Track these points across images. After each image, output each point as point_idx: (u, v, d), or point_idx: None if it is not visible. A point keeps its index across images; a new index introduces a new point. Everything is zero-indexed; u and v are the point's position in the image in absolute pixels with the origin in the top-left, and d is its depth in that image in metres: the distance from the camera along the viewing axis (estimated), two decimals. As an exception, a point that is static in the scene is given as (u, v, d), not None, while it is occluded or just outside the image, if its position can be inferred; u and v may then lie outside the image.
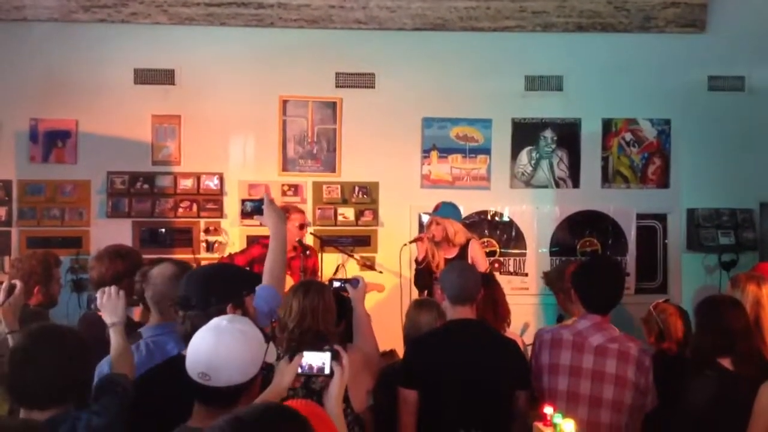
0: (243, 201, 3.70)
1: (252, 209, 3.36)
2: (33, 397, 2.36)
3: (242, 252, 5.62)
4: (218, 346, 2.09)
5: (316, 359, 2.34)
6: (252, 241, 5.98)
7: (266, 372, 2.29)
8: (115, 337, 2.81)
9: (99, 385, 2.61)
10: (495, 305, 3.85)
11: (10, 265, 4.13)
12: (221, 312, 2.39)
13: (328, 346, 2.45)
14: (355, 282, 3.72)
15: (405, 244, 5.77)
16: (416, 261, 5.57)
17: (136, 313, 3.82)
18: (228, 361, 2.08)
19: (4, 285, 3.19)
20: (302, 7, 6.34)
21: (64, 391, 2.39)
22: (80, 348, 2.48)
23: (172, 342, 2.99)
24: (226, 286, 2.60)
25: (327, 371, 2.33)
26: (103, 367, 2.96)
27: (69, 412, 2.38)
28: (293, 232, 5.42)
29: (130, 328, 3.62)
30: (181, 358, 2.36)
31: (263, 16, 6.35)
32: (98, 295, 2.92)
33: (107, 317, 2.86)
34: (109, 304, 2.87)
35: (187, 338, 2.32)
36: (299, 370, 2.37)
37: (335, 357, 2.36)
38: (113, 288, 2.92)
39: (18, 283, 3.26)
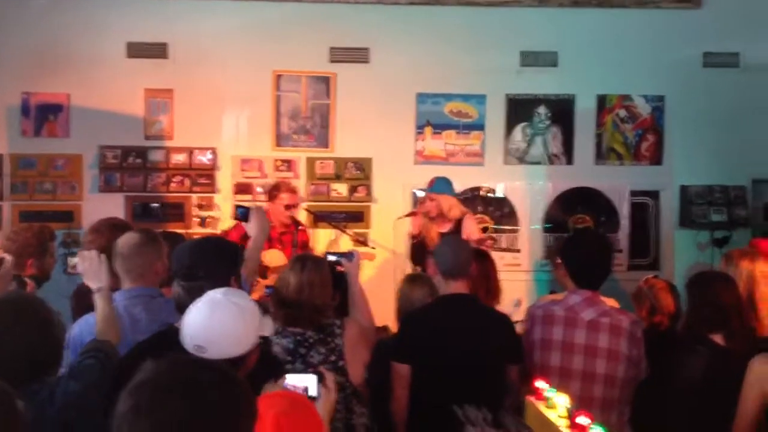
0: (235, 205, 3.91)
1: (240, 216, 3.64)
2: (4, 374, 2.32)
3: (234, 227, 5.62)
4: (213, 319, 2.10)
5: (301, 381, 2.22)
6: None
7: (263, 345, 2.30)
8: (100, 303, 2.80)
9: (82, 350, 2.61)
10: (488, 281, 3.87)
11: (5, 237, 4.10)
12: (226, 283, 2.40)
13: (328, 320, 2.41)
14: (350, 256, 3.73)
15: (399, 218, 5.77)
16: (411, 236, 5.58)
17: None
18: (223, 333, 2.09)
19: None
20: (296, -21, 6.29)
21: (35, 364, 2.33)
22: (44, 318, 2.41)
23: (140, 306, 3.03)
24: (230, 259, 2.62)
25: (313, 393, 2.20)
26: (74, 332, 2.96)
27: (46, 380, 2.35)
28: (281, 211, 5.43)
29: (89, 296, 3.65)
30: (173, 330, 2.37)
31: (257, -11, 6.29)
32: (78, 260, 2.89)
33: (91, 283, 2.84)
34: (91, 270, 2.84)
35: (182, 308, 2.33)
36: None
37: (321, 380, 2.26)
38: (94, 252, 2.89)
39: (7, 256, 3.23)
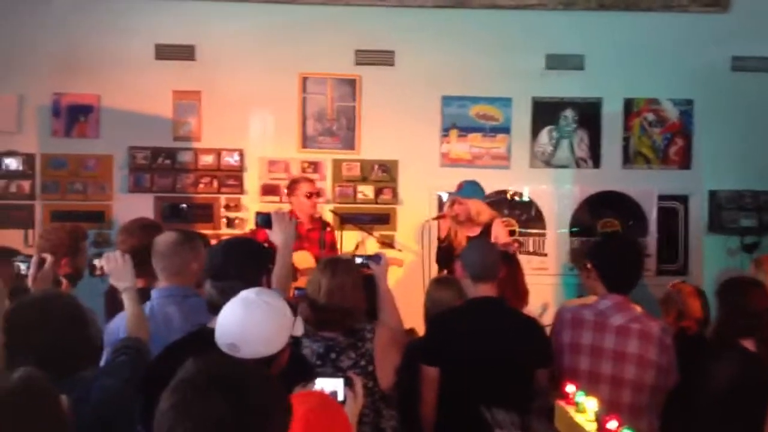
0: (256, 213, 3.85)
1: (262, 222, 3.56)
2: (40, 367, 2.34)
3: (259, 229, 5.66)
4: (247, 318, 2.13)
5: (328, 385, 2.24)
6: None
7: (293, 346, 2.32)
8: (128, 303, 2.84)
9: (114, 348, 2.64)
10: (515, 284, 3.86)
11: (39, 236, 4.18)
12: (257, 283, 2.42)
13: (360, 325, 2.40)
14: (377, 258, 3.73)
15: (427, 221, 5.77)
16: (438, 239, 5.57)
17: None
18: (256, 333, 2.11)
19: (34, 258, 3.21)
20: (323, -17, 6.32)
21: (68, 360, 2.36)
22: (75, 314, 2.45)
23: (173, 305, 3.06)
24: (260, 259, 2.65)
25: (340, 398, 2.23)
26: (110, 328, 3.00)
27: (83, 376, 2.38)
28: (303, 202, 5.48)
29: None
30: (206, 330, 2.39)
31: (284, -9, 6.32)
32: (103, 261, 2.92)
33: (118, 283, 2.89)
34: (116, 270, 2.89)
35: (214, 307, 2.35)
36: None
37: (348, 383, 2.28)
38: (118, 253, 2.95)
39: (48, 256, 3.28)
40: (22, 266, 3.19)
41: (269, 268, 2.81)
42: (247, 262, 2.62)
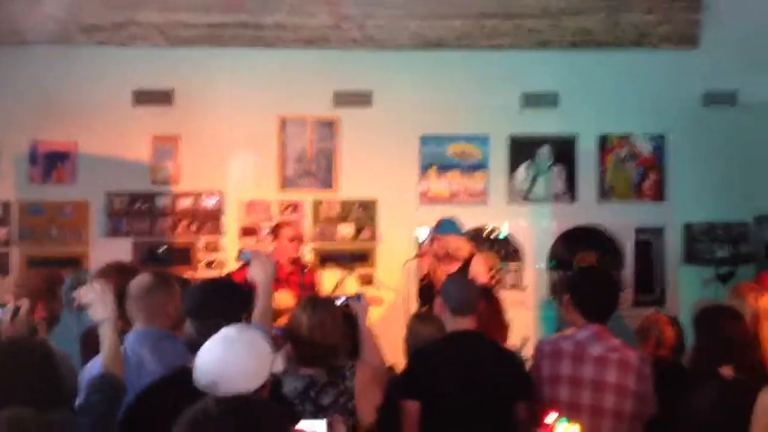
0: (239, 251, 3.90)
1: (245, 258, 3.67)
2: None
3: (239, 269, 5.65)
4: (227, 356, 2.12)
5: (311, 427, 2.26)
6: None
7: (274, 384, 2.32)
8: (107, 333, 2.79)
9: (88, 385, 2.62)
10: (496, 318, 3.88)
11: (14, 283, 4.14)
12: (237, 322, 2.42)
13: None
14: (358, 298, 3.76)
15: (407, 261, 5.78)
16: (420, 278, 5.58)
17: None
18: (236, 370, 2.10)
19: (8, 305, 3.17)
20: (300, 27, 6.38)
21: (40, 404, 2.30)
22: (47, 357, 2.43)
23: (146, 348, 3.04)
24: (240, 299, 2.66)
25: None
26: (87, 370, 2.97)
27: (52, 420, 2.32)
28: (286, 246, 5.49)
29: (98, 339, 3.64)
30: (186, 370, 2.38)
31: (262, 36, 6.38)
32: (82, 292, 2.87)
33: (98, 314, 2.83)
34: (95, 301, 2.84)
35: (193, 347, 2.35)
36: None
37: (330, 425, 2.29)
38: (96, 284, 2.90)
39: (24, 302, 3.24)
40: None
41: (249, 308, 2.81)
42: (227, 302, 2.63)
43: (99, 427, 2.40)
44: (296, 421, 2.23)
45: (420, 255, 5.63)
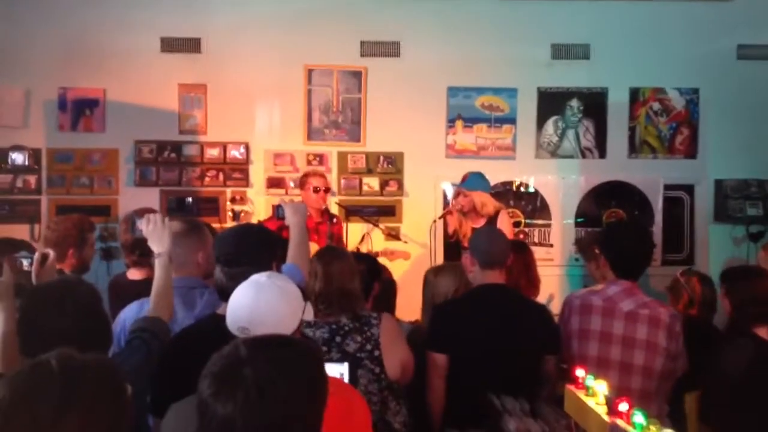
0: (274, 206, 3.83)
1: (281, 214, 3.55)
2: (46, 349, 2.33)
3: (268, 219, 5.67)
4: (259, 301, 2.12)
5: (333, 371, 2.29)
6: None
7: (303, 330, 2.32)
8: (159, 270, 2.81)
9: (131, 330, 2.64)
10: (528, 271, 3.86)
11: (45, 227, 4.16)
12: (267, 269, 2.42)
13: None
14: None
15: (434, 221, 5.75)
16: (448, 236, 5.54)
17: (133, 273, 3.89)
18: (268, 315, 2.10)
19: (36, 255, 3.19)
20: (328, -25, 6.32)
21: (81, 341, 2.28)
22: (92, 296, 2.45)
23: (177, 298, 3.02)
24: (271, 245, 2.65)
25: (347, 379, 2.28)
26: (117, 320, 3.00)
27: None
28: (311, 197, 5.48)
29: (127, 287, 3.67)
30: (217, 317, 2.39)
31: (289, -17, 6.32)
32: (144, 222, 2.89)
33: (154, 246, 2.85)
34: (155, 233, 2.86)
35: (223, 294, 2.35)
36: None
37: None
38: (159, 215, 2.91)
39: (51, 252, 3.25)
40: (25, 262, 3.15)
41: (280, 255, 2.81)
42: (258, 249, 2.62)
43: (137, 374, 2.42)
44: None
45: (446, 213, 5.58)
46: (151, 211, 3.82)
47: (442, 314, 3.50)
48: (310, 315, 2.31)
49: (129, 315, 3.03)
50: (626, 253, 3.36)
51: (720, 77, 6.57)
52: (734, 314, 3.43)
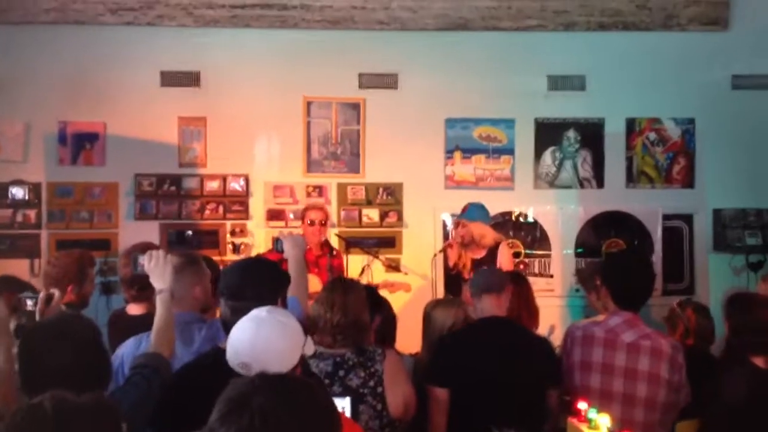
0: (273, 238, 3.86)
1: (280, 248, 3.65)
2: (47, 386, 2.27)
3: (268, 252, 5.66)
4: (259, 336, 2.12)
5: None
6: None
7: (304, 366, 2.32)
8: (161, 306, 2.81)
9: (133, 365, 2.62)
10: (527, 303, 3.86)
11: (46, 262, 4.16)
12: (272, 304, 2.42)
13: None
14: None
15: (435, 255, 5.76)
16: (449, 268, 5.53)
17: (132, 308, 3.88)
18: (268, 350, 2.10)
19: (41, 295, 3.17)
20: (325, 8, 6.39)
21: (78, 378, 2.28)
22: (93, 333, 2.44)
23: (176, 332, 3.00)
24: (277, 280, 2.65)
25: (348, 414, 2.27)
26: (115, 355, 2.98)
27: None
28: (314, 230, 5.49)
29: (126, 322, 3.65)
30: (220, 351, 2.39)
31: (287, 17, 6.40)
32: (145, 258, 2.90)
33: (156, 282, 2.86)
34: (157, 269, 2.87)
35: (228, 328, 2.35)
36: None
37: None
38: (161, 252, 2.92)
39: (56, 292, 3.24)
40: (29, 302, 3.14)
41: (285, 290, 2.81)
42: (263, 283, 2.62)
43: (137, 411, 2.40)
44: None
45: (448, 246, 5.57)
46: (151, 246, 3.84)
47: (444, 347, 3.50)
48: (310, 349, 2.31)
49: (127, 351, 3.02)
50: (628, 284, 3.36)
51: (715, 107, 6.62)
52: (732, 340, 3.42)
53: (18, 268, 5.75)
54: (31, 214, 6.24)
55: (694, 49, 6.62)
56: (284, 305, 2.65)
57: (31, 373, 2.33)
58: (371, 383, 3.15)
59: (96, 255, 5.69)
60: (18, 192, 6.23)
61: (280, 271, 2.85)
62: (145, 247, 3.78)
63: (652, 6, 6.51)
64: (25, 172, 6.29)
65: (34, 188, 6.26)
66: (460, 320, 3.73)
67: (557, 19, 6.53)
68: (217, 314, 3.46)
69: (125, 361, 2.93)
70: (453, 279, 5.52)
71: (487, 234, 5.39)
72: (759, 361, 3.28)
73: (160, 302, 2.82)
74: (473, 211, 5.43)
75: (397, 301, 5.09)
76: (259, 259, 3.28)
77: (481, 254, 5.36)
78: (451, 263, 5.47)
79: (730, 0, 6.53)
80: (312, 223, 5.53)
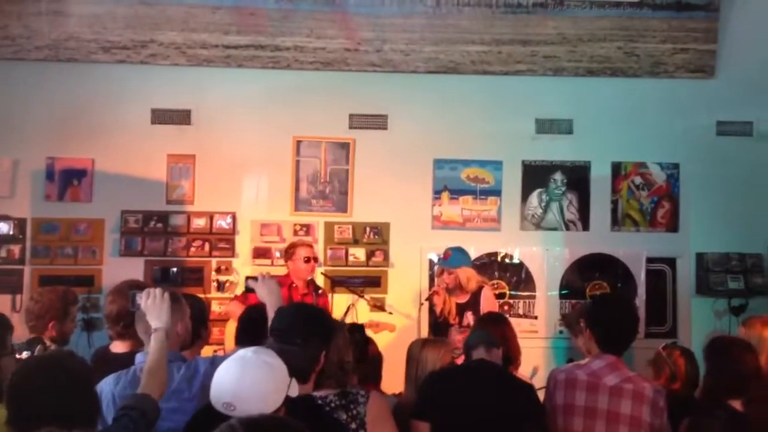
0: (246, 278, 3.81)
1: (252, 286, 3.60)
2: (37, 424, 2.18)
3: (243, 294, 5.60)
4: (244, 377, 2.12)
5: None
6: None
7: (289, 406, 2.30)
8: (155, 345, 2.77)
9: (121, 405, 2.59)
10: (507, 344, 3.87)
11: (29, 298, 4.14)
12: (316, 356, 2.45)
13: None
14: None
15: (421, 303, 5.77)
16: (436, 316, 5.52)
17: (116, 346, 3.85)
18: (253, 391, 2.10)
19: (37, 347, 3.14)
20: (318, 49, 6.47)
21: (69, 416, 2.27)
22: (82, 371, 2.42)
23: None
24: (325, 331, 2.74)
25: None
26: (100, 386, 2.94)
27: None
28: (300, 267, 5.48)
29: (111, 360, 3.62)
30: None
31: (280, 58, 6.48)
32: (143, 296, 2.88)
33: (152, 321, 2.83)
34: (154, 307, 2.84)
35: None
36: None
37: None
38: (159, 290, 2.89)
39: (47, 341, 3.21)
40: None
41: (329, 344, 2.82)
42: (312, 333, 2.67)
43: None
44: None
45: (434, 293, 5.55)
46: (137, 283, 3.82)
47: (429, 383, 3.50)
48: (295, 391, 2.30)
49: (105, 388, 2.97)
50: (612, 327, 3.38)
51: (700, 152, 6.70)
52: (710, 383, 3.43)
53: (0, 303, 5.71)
54: (15, 249, 6.21)
55: (680, 96, 6.72)
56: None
57: (20, 410, 2.31)
58: (353, 426, 3.13)
59: (79, 291, 5.67)
60: (2, 227, 6.21)
61: (331, 322, 2.86)
62: (134, 285, 3.78)
63: (640, 53, 6.63)
64: (11, 208, 6.28)
65: (20, 223, 6.24)
66: (447, 362, 3.74)
67: (546, 64, 6.64)
68: (201, 353, 3.47)
69: (102, 398, 2.89)
70: (439, 326, 5.49)
71: (471, 278, 5.40)
72: (736, 404, 3.29)
73: (155, 340, 2.79)
74: (456, 257, 5.42)
75: (381, 340, 5.07)
76: (313, 307, 3.30)
77: (464, 298, 5.36)
78: (437, 310, 5.41)
79: (717, 48, 6.65)
80: (307, 260, 5.53)
